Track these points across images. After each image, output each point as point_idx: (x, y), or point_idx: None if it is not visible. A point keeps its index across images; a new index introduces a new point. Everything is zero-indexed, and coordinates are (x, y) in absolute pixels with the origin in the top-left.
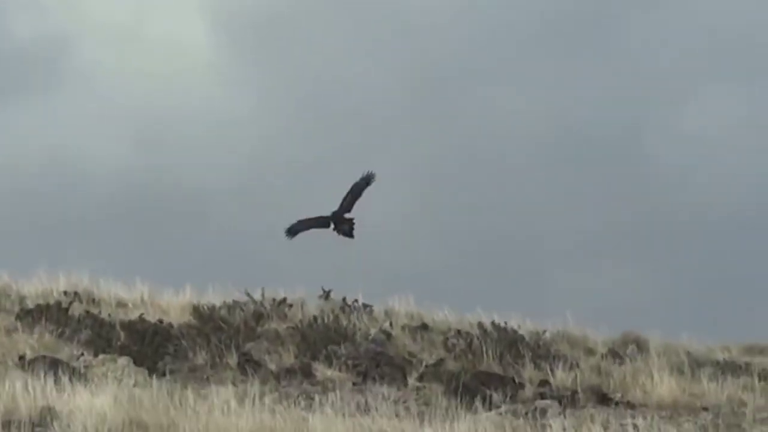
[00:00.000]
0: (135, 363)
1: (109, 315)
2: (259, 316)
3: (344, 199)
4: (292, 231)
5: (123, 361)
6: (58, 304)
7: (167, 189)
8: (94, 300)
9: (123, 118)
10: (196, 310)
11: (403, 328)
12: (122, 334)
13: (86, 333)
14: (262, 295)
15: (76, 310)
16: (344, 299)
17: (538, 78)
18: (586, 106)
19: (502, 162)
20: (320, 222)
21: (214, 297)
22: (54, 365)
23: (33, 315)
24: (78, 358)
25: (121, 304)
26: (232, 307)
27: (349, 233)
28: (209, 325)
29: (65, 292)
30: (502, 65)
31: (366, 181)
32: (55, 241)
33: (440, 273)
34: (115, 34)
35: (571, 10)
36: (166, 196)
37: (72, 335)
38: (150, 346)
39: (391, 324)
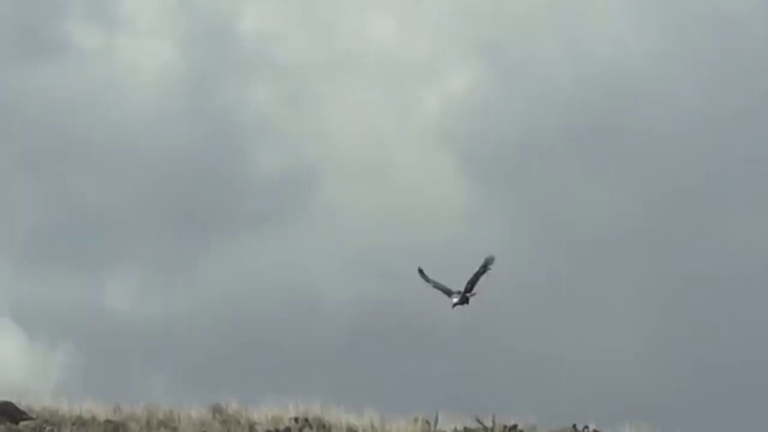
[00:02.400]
0: None
1: None
2: None
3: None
4: (425, 276)
5: None
6: (288, 430)
7: (400, 320)
8: (324, 426)
9: (363, 250)
10: None
11: None
12: None
13: None
14: (493, 421)
15: None
16: (574, 425)
17: None
18: None
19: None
20: (445, 290)
21: (444, 424)
22: None
23: None
24: None
25: (351, 430)
26: None
27: (464, 301)
28: None
29: (296, 419)
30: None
31: (485, 265)
32: (286, 368)
33: (676, 402)
34: (360, 169)
35: None
36: (398, 327)
37: None
38: None
39: None
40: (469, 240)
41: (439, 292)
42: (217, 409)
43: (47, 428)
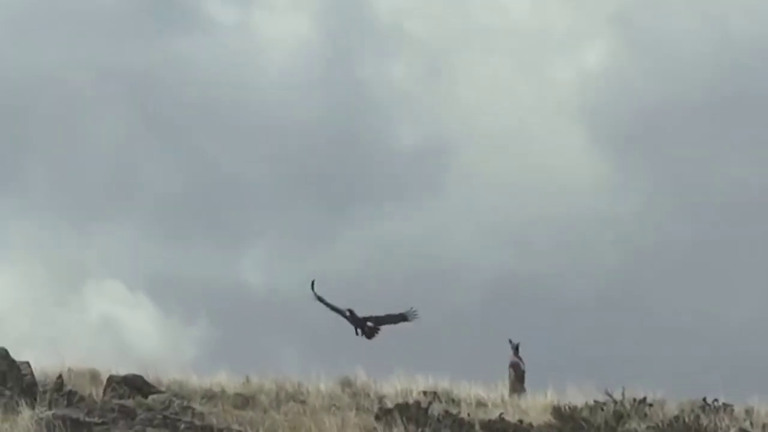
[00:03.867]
0: None
1: (468, 415)
2: (619, 416)
3: (381, 316)
4: (318, 298)
5: None
6: (418, 403)
7: (537, 295)
8: (453, 400)
9: (500, 221)
10: (557, 410)
11: (763, 427)
12: None
13: None
14: (623, 394)
15: (436, 409)
16: (704, 398)
17: None
18: None
19: None
20: (337, 309)
21: (576, 397)
22: None
23: (392, 414)
24: None
25: (480, 404)
26: (593, 407)
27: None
28: (569, 425)
29: (425, 392)
30: None
31: (404, 316)
32: (418, 340)
33: None
34: (496, 141)
35: None
36: (535, 301)
37: None
38: None
39: (751, 424)
40: (602, 211)
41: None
42: (346, 382)
43: (176, 401)
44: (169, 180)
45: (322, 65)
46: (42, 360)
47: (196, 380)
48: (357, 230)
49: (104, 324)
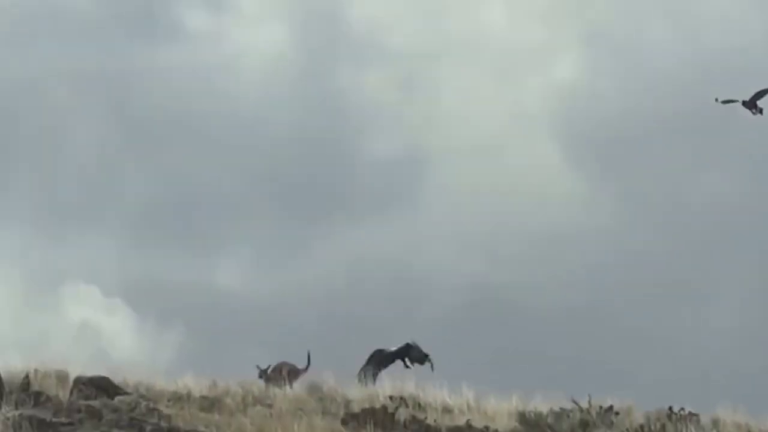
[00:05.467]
0: None
1: (435, 420)
2: (585, 424)
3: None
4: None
5: None
6: (384, 408)
7: (509, 304)
8: (420, 404)
9: (476, 233)
10: (522, 416)
11: None
12: None
13: None
14: (589, 402)
15: (402, 414)
16: (670, 407)
17: None
18: None
19: None
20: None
21: (541, 404)
22: None
23: (359, 419)
24: None
25: (447, 410)
26: (559, 414)
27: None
28: (535, 431)
29: (391, 397)
30: None
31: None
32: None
33: None
34: (471, 153)
35: None
36: (506, 310)
37: None
38: None
39: None
40: (575, 222)
41: None
42: (313, 387)
43: (143, 403)
44: (147, 188)
45: (297, 75)
46: (11, 362)
47: (164, 383)
48: (333, 240)
49: (80, 329)
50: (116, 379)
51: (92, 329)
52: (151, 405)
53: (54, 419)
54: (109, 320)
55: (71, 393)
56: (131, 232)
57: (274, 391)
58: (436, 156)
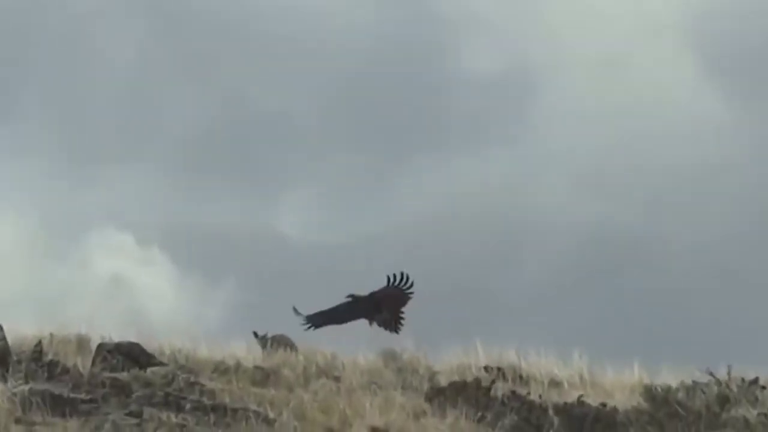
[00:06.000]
0: None
1: (540, 396)
2: (724, 400)
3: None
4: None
5: None
6: (478, 381)
7: (632, 251)
8: (521, 377)
9: (590, 167)
10: (648, 391)
11: None
12: (556, 420)
13: (511, 418)
14: (729, 374)
15: (500, 389)
16: None
17: None
18: None
19: None
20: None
21: (668, 376)
22: None
23: (446, 395)
24: None
25: (554, 383)
26: (691, 388)
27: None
28: (663, 410)
29: (486, 368)
30: None
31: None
32: (477, 308)
33: None
34: (592, 72)
35: None
36: (627, 259)
37: (494, 420)
38: None
39: None
40: (713, 156)
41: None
42: (390, 356)
43: (181, 375)
44: (193, 115)
45: None
46: (22, 324)
47: (208, 350)
48: (419, 176)
49: (109, 284)
50: (149, 346)
51: (123, 285)
52: (192, 378)
53: (72, 395)
54: (144, 274)
55: (94, 363)
56: (173, 168)
57: (343, 360)
58: (545, 74)
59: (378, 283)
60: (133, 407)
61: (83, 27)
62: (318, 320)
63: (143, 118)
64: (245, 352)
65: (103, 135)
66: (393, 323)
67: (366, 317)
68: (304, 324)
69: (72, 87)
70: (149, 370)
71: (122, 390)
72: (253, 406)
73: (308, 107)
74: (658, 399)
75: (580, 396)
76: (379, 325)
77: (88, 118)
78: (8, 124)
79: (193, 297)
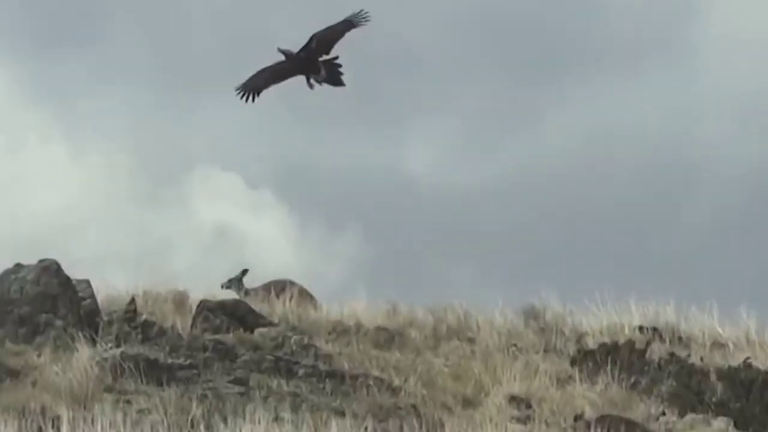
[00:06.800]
0: (737, 426)
1: (701, 359)
2: None
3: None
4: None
5: (720, 423)
6: (631, 344)
7: None
8: (680, 338)
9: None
10: None
11: None
12: (719, 386)
13: (669, 384)
14: None
15: (656, 352)
16: None
17: None
18: None
19: None
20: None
21: None
22: (625, 428)
23: (595, 358)
24: (658, 419)
25: (717, 345)
26: None
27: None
28: None
29: (641, 328)
30: None
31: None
32: (630, 259)
33: None
34: None
35: None
36: None
37: (649, 387)
38: (759, 403)
39: None
40: None
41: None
42: (531, 314)
43: (293, 338)
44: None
45: None
46: (113, 280)
47: (324, 309)
48: (567, 110)
49: (213, 233)
50: (258, 305)
51: (229, 234)
52: (306, 340)
53: (169, 360)
54: (254, 221)
55: (194, 323)
56: (287, 100)
57: (478, 319)
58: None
59: None
60: (239, 373)
61: None
62: (250, 84)
63: (252, 41)
64: (366, 310)
65: (206, 62)
66: (336, 77)
67: (303, 73)
68: (238, 94)
69: (171, 7)
70: (257, 331)
71: (226, 354)
72: (375, 372)
73: (436, 29)
74: None
75: (747, 359)
76: (320, 83)
77: (188, 43)
78: (95, 50)
79: (309, 248)
